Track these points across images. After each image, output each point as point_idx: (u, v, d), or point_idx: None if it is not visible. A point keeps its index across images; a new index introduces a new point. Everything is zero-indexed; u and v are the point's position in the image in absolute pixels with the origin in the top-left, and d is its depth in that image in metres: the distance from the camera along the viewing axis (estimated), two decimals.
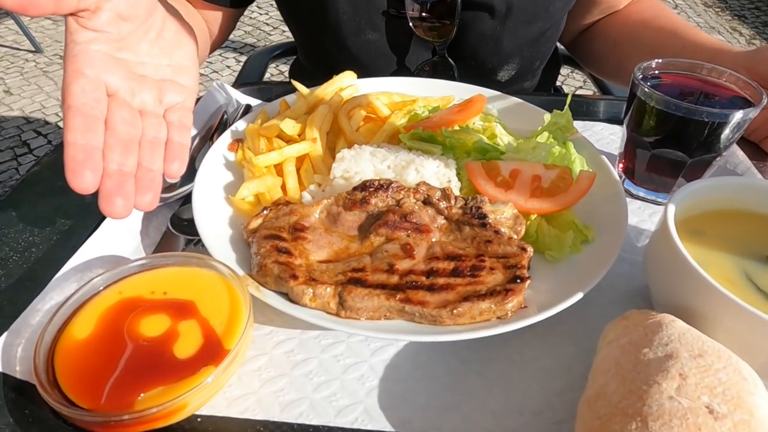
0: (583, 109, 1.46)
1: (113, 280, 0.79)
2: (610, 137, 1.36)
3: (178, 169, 0.84)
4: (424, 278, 0.81)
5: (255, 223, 0.91)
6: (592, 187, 0.97)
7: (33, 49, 5.75)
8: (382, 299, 0.78)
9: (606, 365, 0.68)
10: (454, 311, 0.76)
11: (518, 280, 0.80)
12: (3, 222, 1.04)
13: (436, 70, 1.48)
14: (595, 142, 1.32)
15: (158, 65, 0.85)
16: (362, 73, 1.33)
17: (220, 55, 5.53)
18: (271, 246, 0.85)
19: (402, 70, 1.50)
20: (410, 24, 1.38)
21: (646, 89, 1.03)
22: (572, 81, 5.18)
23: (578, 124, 1.36)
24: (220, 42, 1.64)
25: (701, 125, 0.99)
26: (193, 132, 1.27)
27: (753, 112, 0.98)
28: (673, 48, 1.44)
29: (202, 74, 5.45)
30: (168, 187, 1.10)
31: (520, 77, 1.54)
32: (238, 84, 1.59)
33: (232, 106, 1.39)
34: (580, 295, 0.80)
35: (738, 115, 0.97)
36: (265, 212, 0.93)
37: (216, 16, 1.52)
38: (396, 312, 0.78)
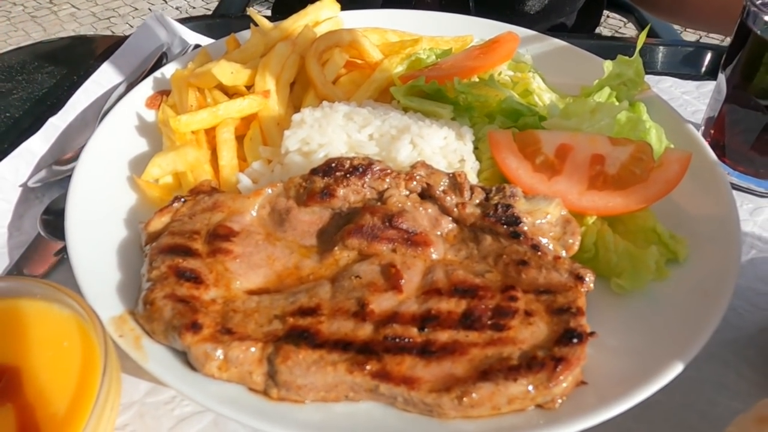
0: (644, 59, 1.06)
1: None
2: (683, 97, 0.99)
3: None
4: (414, 331, 0.48)
5: (159, 223, 0.58)
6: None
7: None
8: (341, 371, 0.44)
9: None
10: (465, 399, 0.43)
11: (574, 339, 0.46)
12: None
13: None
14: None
15: None
16: (351, 4, 0.95)
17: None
18: (170, 267, 0.51)
19: None
20: None
21: None
22: (607, 26, 4.55)
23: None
24: None
25: None
26: (116, 79, 0.92)
27: None
28: None
29: (162, 7, 4.99)
30: (61, 159, 0.76)
31: (555, 9, 1.15)
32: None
33: (177, 46, 1.02)
34: (678, 368, 0.47)
35: None
36: (175, 205, 0.59)
37: None
38: (365, 392, 0.45)
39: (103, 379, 0.42)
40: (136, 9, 5.29)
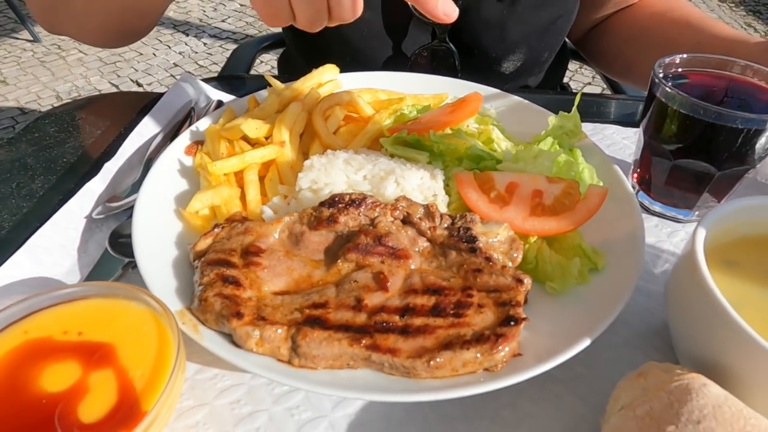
0: (592, 110, 1.30)
1: (19, 316, 0.64)
2: (623, 142, 1.20)
3: None
4: (397, 318, 0.66)
5: (203, 244, 0.77)
6: (603, 205, 0.81)
7: (31, 38, 5.63)
8: (344, 345, 0.63)
9: None
10: (431, 362, 0.62)
11: (512, 322, 0.65)
12: None
13: (435, 56, 1.32)
14: (605, 148, 1.17)
15: None
16: (353, 59, 1.17)
17: (205, 45, 5.39)
18: (216, 274, 0.70)
19: (397, 55, 1.35)
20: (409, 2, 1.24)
21: (668, 89, 0.88)
22: (581, 77, 4.98)
23: (587, 127, 1.20)
24: None
25: (734, 133, 0.83)
26: (155, 130, 1.13)
27: None
28: (688, 42, 1.29)
29: (186, 69, 5.26)
30: (114, 197, 0.95)
31: (526, 70, 1.39)
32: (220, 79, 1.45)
33: (203, 100, 1.24)
34: (587, 342, 0.66)
35: None
36: (216, 230, 0.78)
37: None
38: (361, 361, 0.64)
39: (178, 351, 0.60)
40: (141, 54, 5.58)
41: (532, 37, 1.31)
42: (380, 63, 1.35)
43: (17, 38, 5.75)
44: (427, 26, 1.29)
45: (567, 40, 1.65)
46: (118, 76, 5.08)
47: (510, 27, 1.26)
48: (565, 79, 1.94)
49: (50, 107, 4.74)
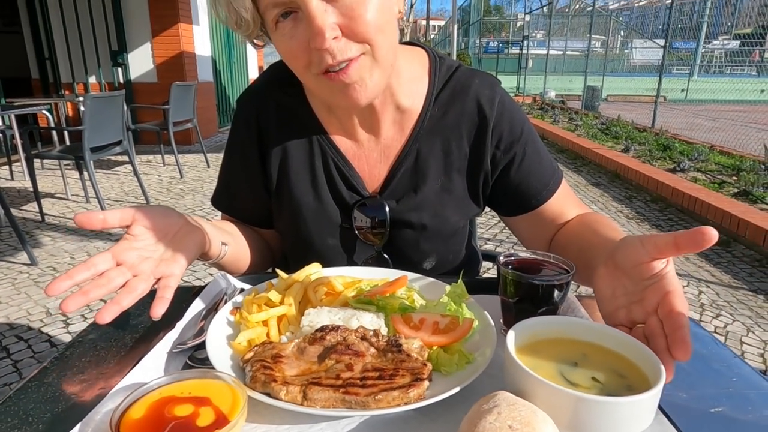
0: (487, 287, 2.09)
1: (156, 387, 1.25)
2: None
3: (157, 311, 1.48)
4: (359, 381, 1.30)
5: (248, 355, 1.42)
6: (473, 329, 1.53)
7: (29, 261, 6.40)
8: (330, 392, 1.26)
9: (465, 419, 1.16)
10: (376, 398, 1.25)
11: (418, 380, 1.30)
12: (53, 382, 1.50)
13: (377, 262, 2.14)
14: (490, 303, 1.92)
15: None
16: (325, 266, 1.96)
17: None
18: (260, 365, 1.34)
19: (352, 263, 2.16)
20: (356, 233, 2.09)
21: (504, 268, 1.68)
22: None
23: (484, 297, 1.98)
24: (281, 251, 2.40)
25: (537, 288, 1.61)
26: (201, 306, 1.83)
27: (568, 277, 1.62)
28: (588, 242, 1.87)
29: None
30: (181, 342, 1.60)
31: (441, 266, 2.21)
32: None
33: (231, 288, 1.97)
34: (456, 389, 1.30)
35: (561, 279, 1.60)
36: (255, 348, 1.44)
37: (271, 234, 2.31)
38: (340, 401, 1.26)
39: (245, 401, 1.20)
40: None
41: (438, 247, 2.16)
42: (344, 263, 2.16)
43: (15, 262, 6.51)
44: (369, 246, 2.14)
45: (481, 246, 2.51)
46: None
47: (421, 243, 2.12)
48: (488, 274, 2.77)
49: (40, 323, 5.25)
